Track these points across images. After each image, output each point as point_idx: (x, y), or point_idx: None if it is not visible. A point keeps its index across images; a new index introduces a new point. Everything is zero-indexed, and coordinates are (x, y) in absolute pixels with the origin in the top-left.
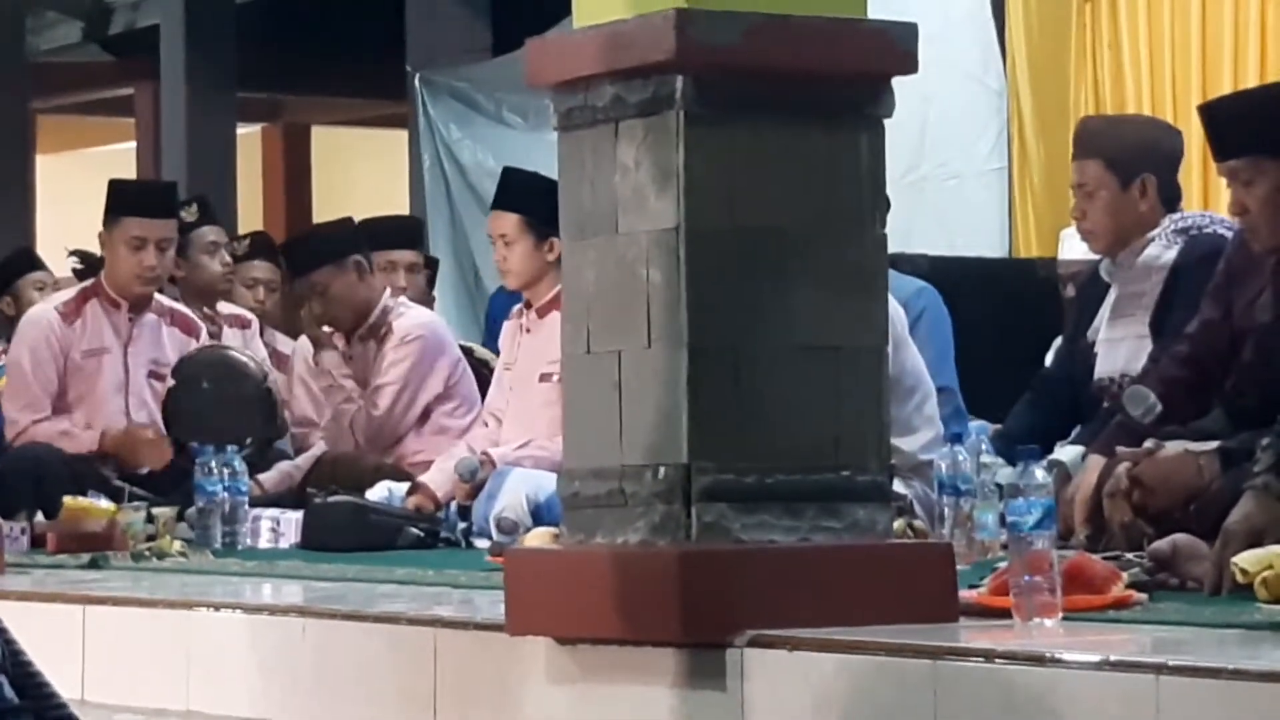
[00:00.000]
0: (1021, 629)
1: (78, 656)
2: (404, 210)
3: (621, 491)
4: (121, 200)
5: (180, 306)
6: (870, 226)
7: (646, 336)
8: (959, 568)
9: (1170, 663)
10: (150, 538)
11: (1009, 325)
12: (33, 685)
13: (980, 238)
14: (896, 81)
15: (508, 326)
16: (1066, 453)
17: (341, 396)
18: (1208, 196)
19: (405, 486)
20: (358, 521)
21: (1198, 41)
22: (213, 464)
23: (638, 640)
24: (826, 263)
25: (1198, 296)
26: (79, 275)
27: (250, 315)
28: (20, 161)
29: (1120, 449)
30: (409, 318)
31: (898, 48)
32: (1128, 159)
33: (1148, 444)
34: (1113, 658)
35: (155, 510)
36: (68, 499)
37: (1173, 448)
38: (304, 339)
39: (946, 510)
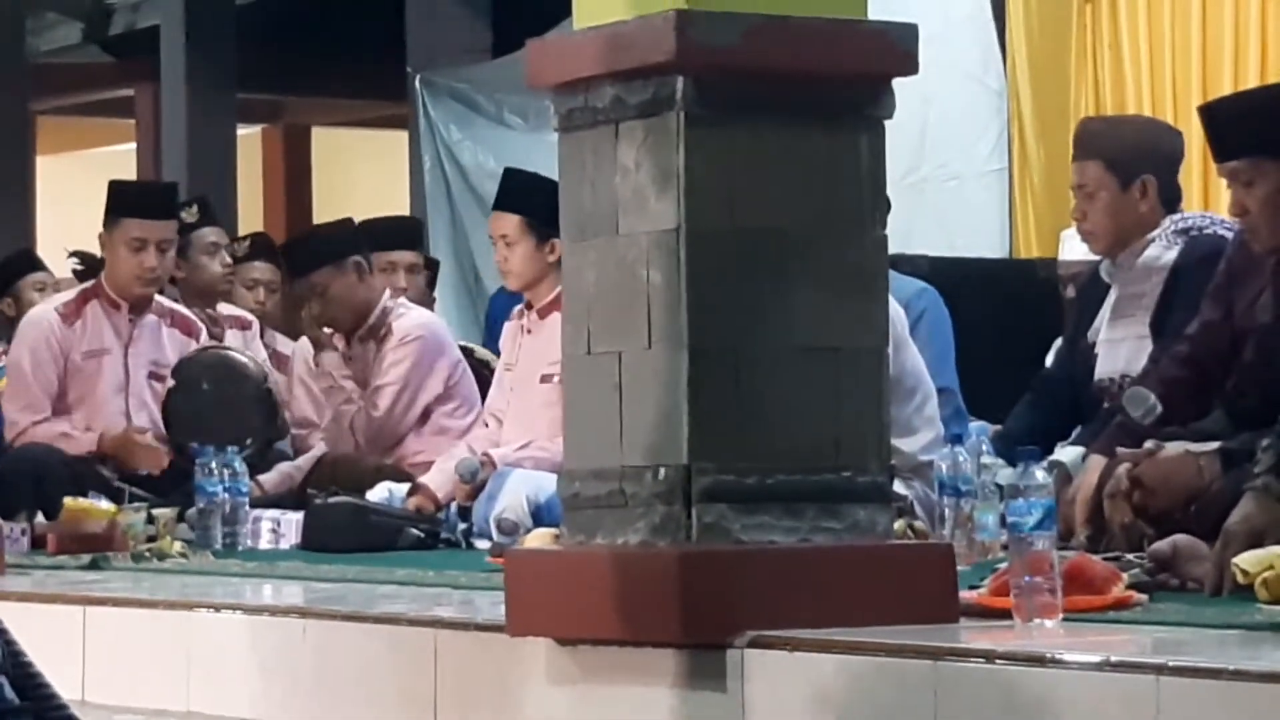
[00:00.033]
0: (1022, 630)
1: (78, 657)
2: (404, 211)
3: (622, 492)
4: (122, 201)
5: (180, 308)
6: (870, 227)
7: (647, 337)
8: (959, 568)
9: (1171, 664)
10: (151, 539)
11: (1009, 326)
12: (33, 686)
13: (980, 238)
14: (897, 82)
15: (509, 327)
16: (1067, 453)
17: (342, 398)
18: (1208, 197)
19: (405, 487)
20: (358, 522)
21: (1198, 42)
22: (213, 465)
23: (638, 641)
24: (827, 264)
25: (1198, 297)
26: (79, 276)
27: (250, 316)
28: (20, 162)
29: (1121, 450)
30: (408, 318)
31: (898, 48)
32: (1128, 160)
33: (1148, 445)
34: (1113, 658)
35: (155, 511)
36: (68, 500)
37: (1173, 448)
38: (304, 340)
39: (947, 511)
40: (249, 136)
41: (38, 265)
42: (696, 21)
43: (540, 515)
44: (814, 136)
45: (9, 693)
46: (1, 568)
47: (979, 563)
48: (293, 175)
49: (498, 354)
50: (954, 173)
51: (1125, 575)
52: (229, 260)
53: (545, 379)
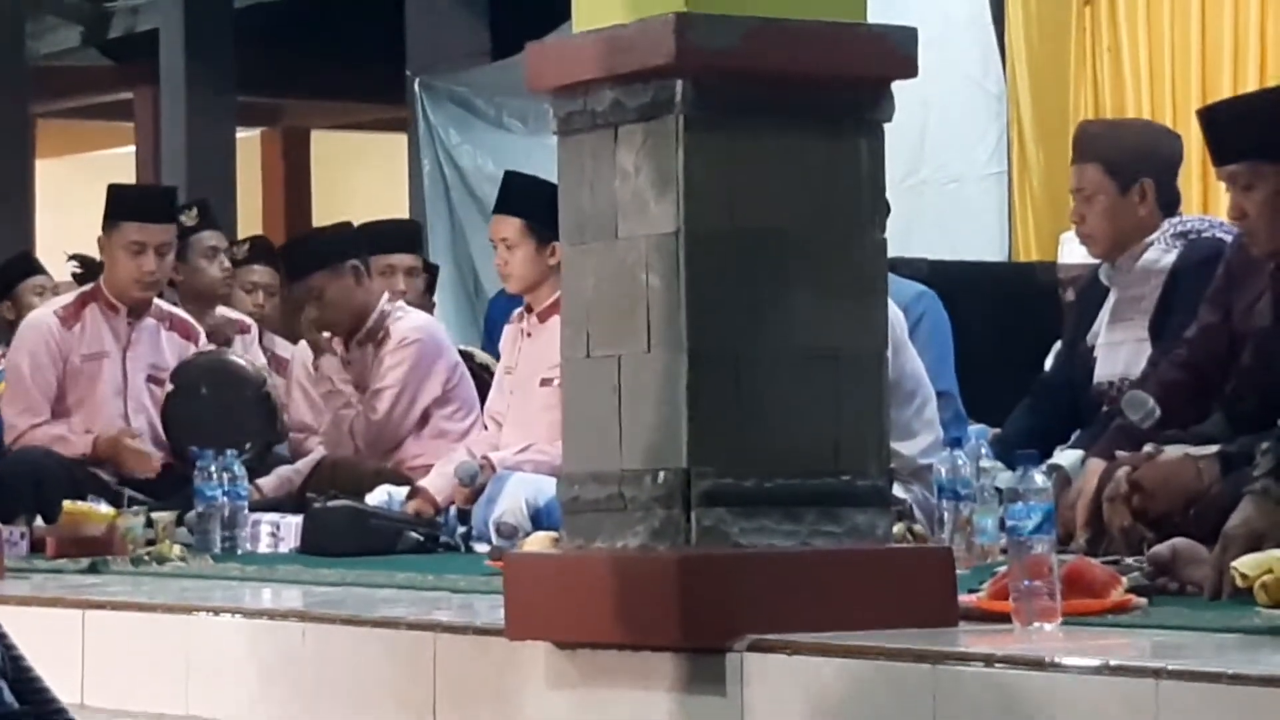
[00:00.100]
0: (1021, 633)
1: (77, 661)
2: (404, 215)
3: (621, 496)
4: (121, 205)
5: (179, 311)
6: (870, 230)
7: (646, 341)
8: (958, 572)
9: (1170, 667)
10: (150, 542)
11: (1008, 329)
12: (32, 690)
13: (980, 242)
14: (896, 85)
15: (509, 331)
16: (1066, 457)
17: (341, 401)
18: (1207, 201)
19: (405, 491)
20: (357, 526)
21: (1197, 46)
22: (212, 469)
23: (637, 645)
24: (826, 267)
25: (1197, 301)
26: (78, 280)
27: (249, 320)
28: (20, 166)
29: (1120, 453)
30: (406, 321)
31: (897, 52)
32: (1127, 163)
33: (1147, 448)
34: (1112, 662)
35: (154, 515)
36: (67, 503)
37: (1172, 452)
38: (304, 345)
39: (946, 514)
40: (248, 140)
41: (37, 268)
42: (696, 24)
43: (540, 519)
44: (813, 139)
45: (8, 696)
46: (1, 571)
47: (978, 566)
48: (292, 178)
49: (497, 357)
50: (953, 176)
51: (1124, 579)
52: (228, 264)
53: (545, 382)
